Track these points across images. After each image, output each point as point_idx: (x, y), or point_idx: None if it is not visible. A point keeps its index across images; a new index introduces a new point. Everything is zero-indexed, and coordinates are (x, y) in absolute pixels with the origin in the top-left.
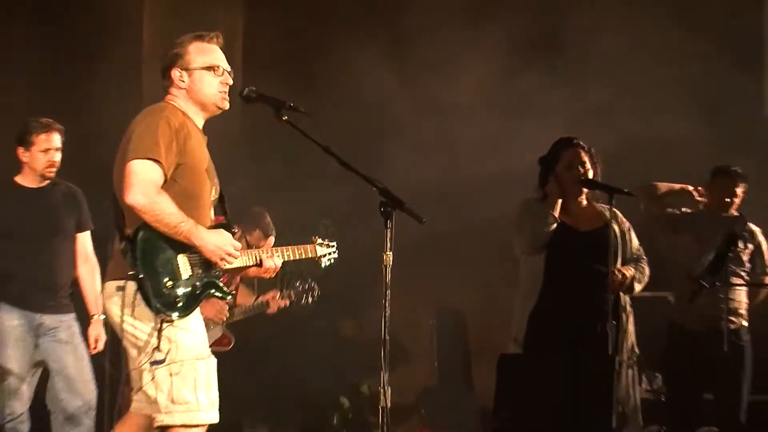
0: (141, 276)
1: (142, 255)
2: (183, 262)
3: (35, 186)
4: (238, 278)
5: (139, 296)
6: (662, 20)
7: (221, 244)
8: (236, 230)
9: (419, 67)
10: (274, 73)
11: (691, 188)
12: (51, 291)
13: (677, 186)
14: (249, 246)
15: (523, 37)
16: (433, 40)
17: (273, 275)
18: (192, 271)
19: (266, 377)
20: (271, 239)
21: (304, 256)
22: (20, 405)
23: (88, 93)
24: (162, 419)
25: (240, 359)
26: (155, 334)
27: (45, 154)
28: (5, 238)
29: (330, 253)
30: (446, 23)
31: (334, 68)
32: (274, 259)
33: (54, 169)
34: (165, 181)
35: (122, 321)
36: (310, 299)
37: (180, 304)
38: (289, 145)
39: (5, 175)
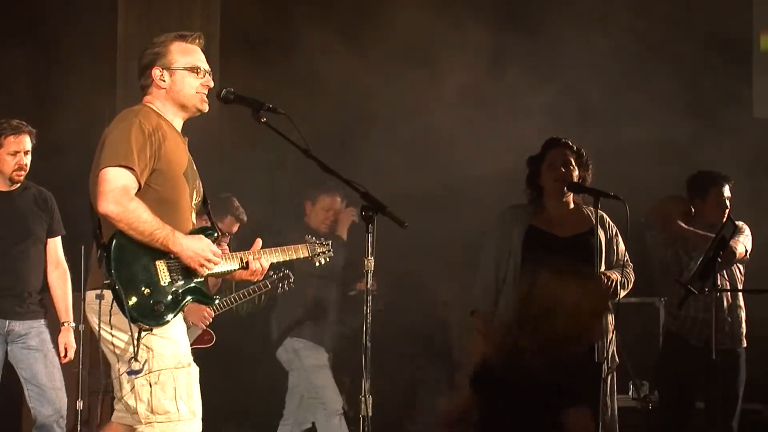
0: (116, 285)
1: (117, 263)
2: (161, 268)
3: (4, 189)
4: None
5: (116, 305)
6: (651, 22)
7: (200, 250)
8: (219, 233)
9: (403, 67)
10: (252, 63)
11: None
12: (20, 297)
13: (701, 233)
14: (223, 233)
15: (509, 37)
16: (418, 38)
17: (260, 278)
18: (171, 278)
19: (249, 384)
20: (259, 242)
21: (294, 257)
22: None
23: (60, 93)
24: (142, 430)
25: (223, 366)
26: (132, 343)
27: (14, 156)
28: None
29: (324, 252)
30: (431, 22)
31: (313, 68)
32: (261, 261)
33: (23, 173)
34: (140, 188)
35: (100, 330)
36: (286, 287)
37: (159, 312)
38: (270, 147)
39: None
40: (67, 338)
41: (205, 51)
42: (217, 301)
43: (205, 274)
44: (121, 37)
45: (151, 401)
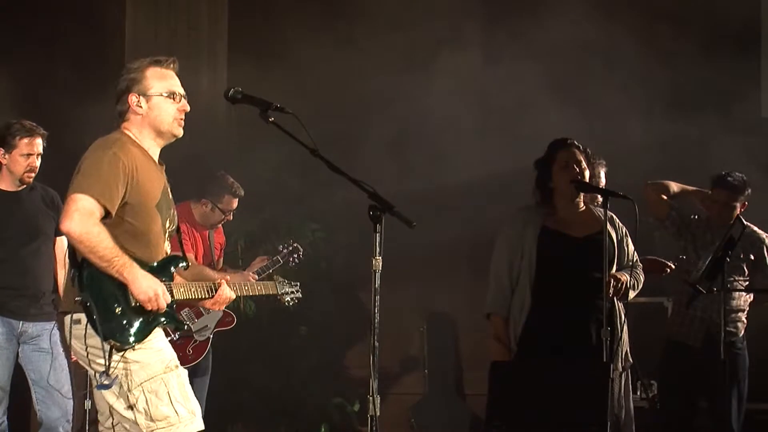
0: (88, 302)
1: (89, 281)
2: None
3: (12, 190)
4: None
5: (89, 327)
6: (658, 19)
7: (148, 289)
8: (189, 263)
9: (397, 71)
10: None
11: (704, 193)
12: (34, 297)
13: (691, 188)
14: (223, 212)
15: (506, 41)
16: (413, 43)
17: (223, 307)
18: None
19: (253, 384)
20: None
21: (263, 293)
22: (0, 412)
23: (68, 95)
24: None
25: (226, 366)
26: (104, 357)
27: (26, 158)
28: None
29: (293, 292)
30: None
31: (311, 69)
32: (226, 291)
33: (33, 174)
34: (111, 219)
35: (87, 354)
36: (297, 260)
37: (130, 331)
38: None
39: None
40: None
41: (214, 50)
42: (186, 328)
43: (156, 309)
44: (130, 40)
45: (149, 410)
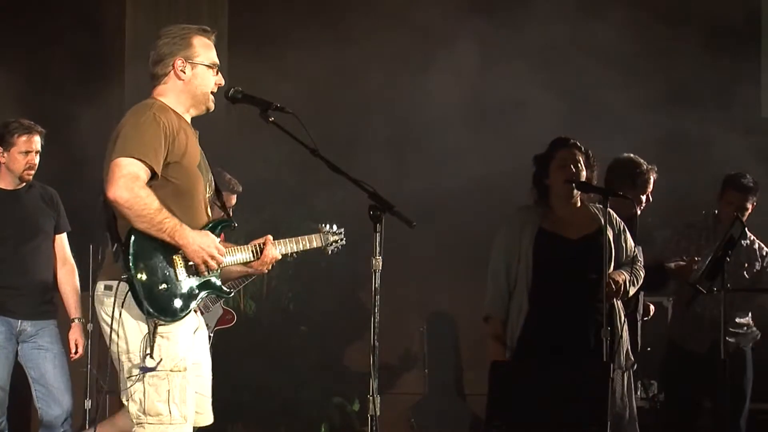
0: (134, 279)
1: (135, 257)
2: (178, 262)
3: (11, 188)
4: None
5: (129, 298)
6: (656, 18)
7: (205, 246)
8: (236, 225)
9: (393, 72)
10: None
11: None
12: (32, 296)
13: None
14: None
15: (502, 42)
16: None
17: (269, 269)
18: (188, 272)
19: (253, 384)
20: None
21: (309, 247)
22: (0, 412)
23: (68, 92)
24: (134, 430)
25: (226, 366)
26: (146, 339)
27: (25, 156)
28: None
29: (336, 241)
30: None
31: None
32: (273, 250)
33: (32, 172)
34: (156, 180)
35: (111, 323)
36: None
37: (174, 307)
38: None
39: None
40: (78, 334)
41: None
42: (232, 294)
43: (211, 269)
44: (129, 40)
45: (144, 402)
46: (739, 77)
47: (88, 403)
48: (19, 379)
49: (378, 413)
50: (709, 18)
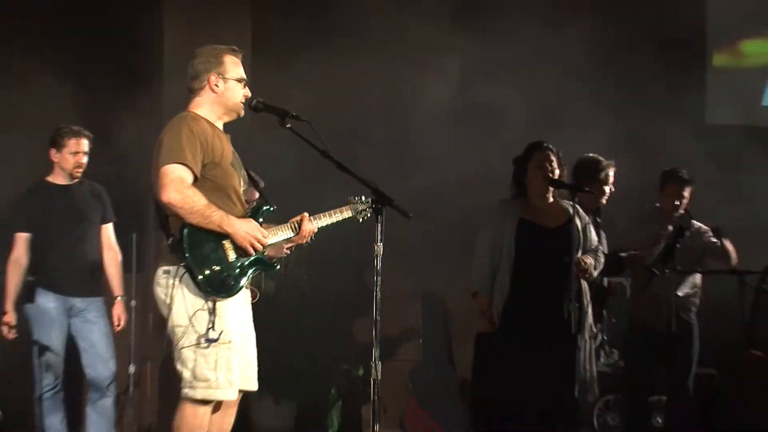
0: (191, 265)
1: (190, 247)
2: (228, 247)
3: (64, 183)
4: None
5: (186, 278)
6: (614, 34)
7: (250, 230)
8: (275, 207)
9: (383, 72)
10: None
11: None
12: (80, 276)
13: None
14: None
15: (485, 45)
16: (397, 45)
17: (307, 240)
18: (237, 254)
19: (267, 356)
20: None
21: (341, 218)
22: (56, 377)
23: (111, 105)
24: (186, 393)
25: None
26: (203, 314)
27: (74, 156)
28: (40, 230)
29: (364, 209)
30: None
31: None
32: (310, 225)
33: (81, 170)
34: (196, 180)
35: (170, 303)
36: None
37: (230, 285)
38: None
39: (37, 177)
40: (120, 310)
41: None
42: (278, 267)
43: (257, 250)
44: (167, 55)
45: (195, 369)
46: (688, 87)
47: (132, 368)
48: (70, 351)
49: (379, 378)
50: (661, 32)
